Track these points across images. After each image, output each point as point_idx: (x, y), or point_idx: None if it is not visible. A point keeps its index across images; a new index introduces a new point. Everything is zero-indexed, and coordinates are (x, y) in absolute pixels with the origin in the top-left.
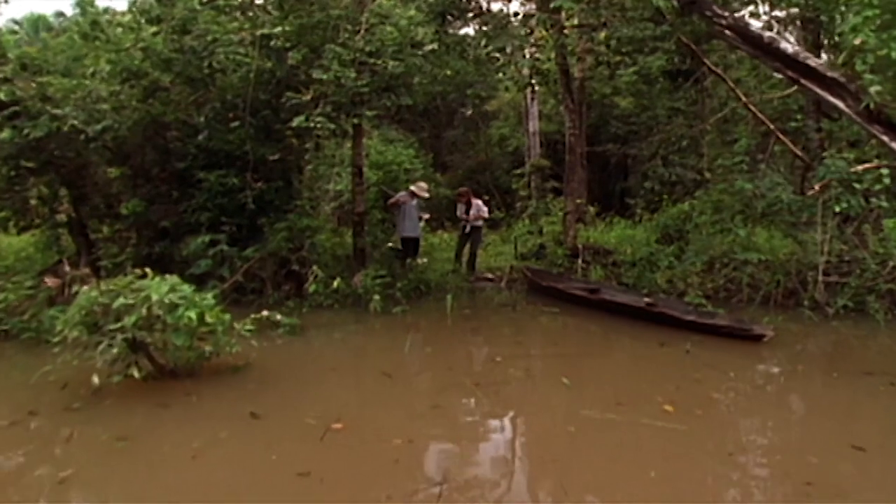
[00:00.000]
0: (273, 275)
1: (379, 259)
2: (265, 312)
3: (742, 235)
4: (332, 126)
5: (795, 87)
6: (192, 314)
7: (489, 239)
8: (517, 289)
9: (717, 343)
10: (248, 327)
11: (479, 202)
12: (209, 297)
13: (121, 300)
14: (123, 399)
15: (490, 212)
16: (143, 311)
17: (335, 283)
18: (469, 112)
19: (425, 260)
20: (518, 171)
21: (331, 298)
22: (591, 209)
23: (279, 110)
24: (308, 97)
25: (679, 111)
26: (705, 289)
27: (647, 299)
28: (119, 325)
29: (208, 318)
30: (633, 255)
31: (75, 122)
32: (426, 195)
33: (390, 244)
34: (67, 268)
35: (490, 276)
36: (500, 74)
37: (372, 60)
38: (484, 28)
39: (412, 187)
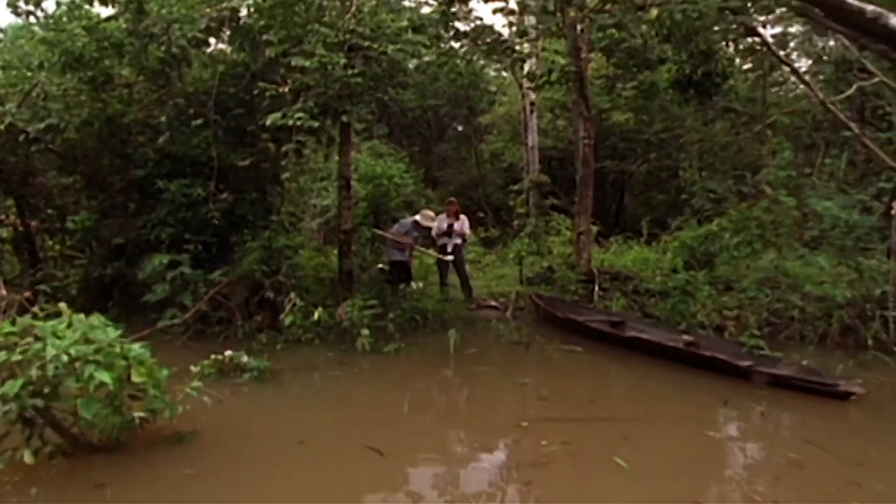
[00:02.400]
0: (244, 303)
1: (368, 283)
2: (228, 353)
3: (787, 261)
4: (315, 124)
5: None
6: (106, 376)
7: (487, 260)
8: (525, 319)
9: (789, 400)
10: (196, 383)
11: (465, 218)
12: (136, 349)
13: (3, 354)
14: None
15: (473, 230)
16: (34, 372)
17: (316, 314)
18: (460, 128)
19: (420, 284)
20: (515, 188)
21: (311, 332)
22: (594, 228)
23: (253, 109)
24: (286, 90)
25: (688, 122)
26: (745, 323)
27: (685, 337)
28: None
29: (135, 377)
30: (664, 283)
31: (13, 119)
32: (433, 225)
33: (380, 265)
34: (3, 291)
35: (493, 303)
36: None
37: (366, 43)
38: (477, 43)
39: (418, 217)
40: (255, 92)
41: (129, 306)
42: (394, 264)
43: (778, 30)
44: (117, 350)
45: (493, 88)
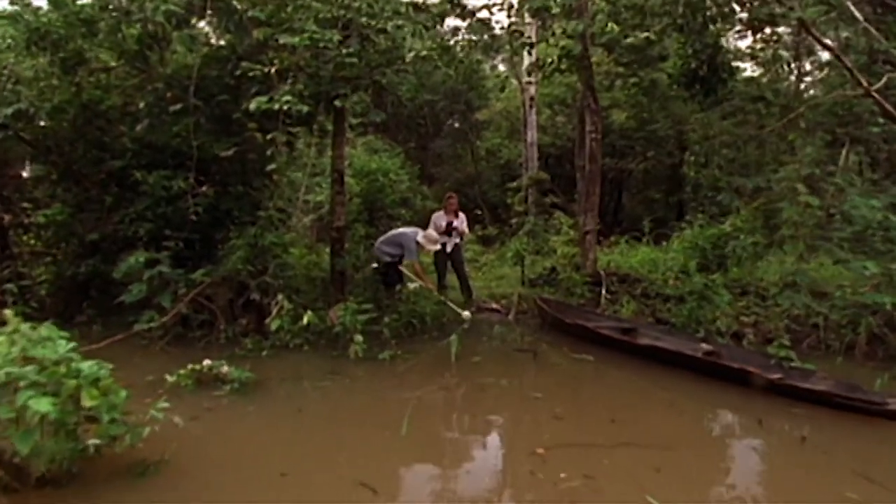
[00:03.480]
0: (228, 305)
1: (362, 284)
2: (207, 362)
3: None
4: (304, 109)
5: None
6: (45, 404)
7: (484, 259)
8: (529, 323)
9: (829, 420)
10: (161, 404)
11: (463, 216)
12: (89, 366)
13: None
14: None
15: (471, 228)
16: None
17: (305, 318)
18: (457, 125)
19: (417, 284)
20: (514, 185)
21: (300, 337)
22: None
23: (239, 95)
24: (273, 71)
25: (693, 119)
26: (765, 330)
27: (704, 346)
28: None
29: (85, 401)
30: (678, 287)
31: None
32: (436, 248)
33: (374, 265)
34: None
35: (495, 305)
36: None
37: (363, 20)
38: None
39: (420, 239)
40: (238, 73)
41: (107, 307)
42: (390, 266)
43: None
44: (63, 370)
45: (491, 84)
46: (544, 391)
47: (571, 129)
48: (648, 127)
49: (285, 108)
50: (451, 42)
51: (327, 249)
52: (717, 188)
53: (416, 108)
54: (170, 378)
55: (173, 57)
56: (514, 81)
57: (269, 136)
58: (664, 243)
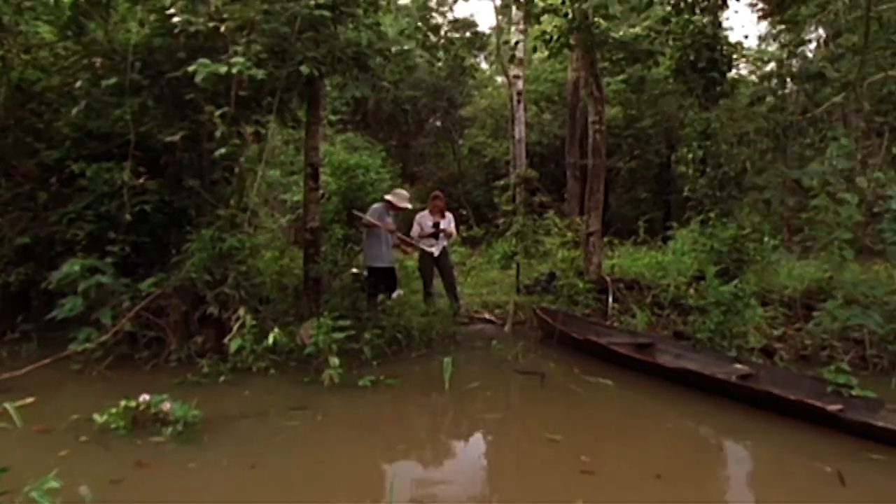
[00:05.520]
0: (181, 320)
1: (340, 293)
2: (145, 397)
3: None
4: (260, 74)
5: None
6: None
7: (473, 263)
8: (528, 336)
9: None
10: (51, 483)
11: (451, 216)
12: None
13: None
14: None
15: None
16: None
17: (271, 337)
18: (439, 124)
19: (402, 292)
20: (501, 184)
21: (264, 359)
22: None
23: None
24: (224, 27)
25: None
26: (798, 346)
27: (738, 366)
28: None
29: None
30: (703, 296)
31: None
32: (408, 206)
33: (354, 269)
34: None
35: (488, 315)
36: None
37: None
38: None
39: (388, 196)
40: (177, 31)
41: (48, 322)
42: (375, 272)
43: None
44: None
45: (475, 79)
46: (562, 430)
47: (558, 127)
48: (637, 124)
49: (234, 71)
50: (434, 39)
51: (302, 253)
52: (723, 186)
53: (398, 105)
54: (98, 418)
55: (117, 27)
56: (499, 79)
57: (217, 113)
58: (660, 245)
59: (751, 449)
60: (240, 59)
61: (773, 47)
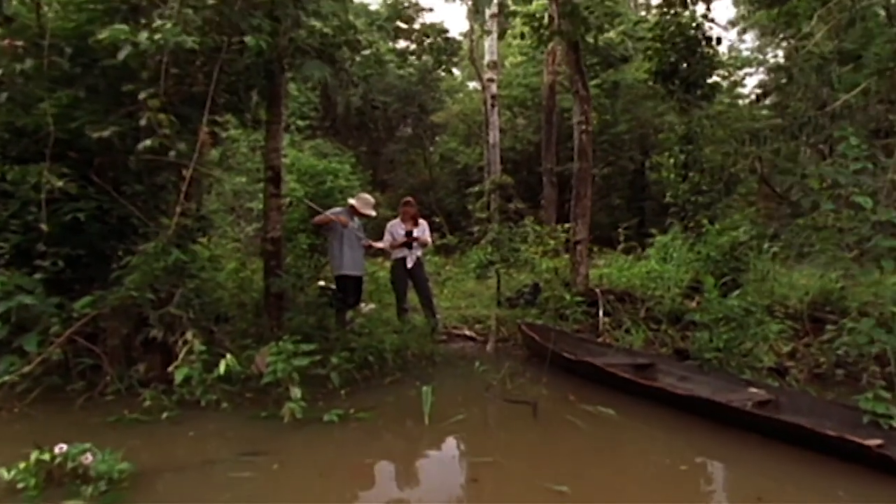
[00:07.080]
0: (122, 345)
1: (305, 309)
2: (61, 448)
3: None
4: (189, 42)
5: None
6: None
7: (448, 273)
8: (511, 353)
9: None
10: None
11: (425, 223)
12: None
13: None
14: None
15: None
16: None
17: (222, 365)
18: (410, 130)
19: (373, 306)
20: (475, 190)
21: (215, 391)
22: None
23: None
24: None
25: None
26: (810, 365)
27: (754, 390)
28: None
29: None
30: (708, 310)
31: None
32: (372, 213)
33: (321, 282)
34: None
35: (468, 332)
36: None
37: None
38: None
39: (352, 200)
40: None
41: None
42: (342, 280)
43: None
44: None
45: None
46: (567, 478)
47: (532, 132)
48: (611, 130)
49: (157, 38)
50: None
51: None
52: (702, 192)
53: (368, 102)
54: (6, 475)
55: (49, 8)
56: (471, 84)
57: (140, 97)
58: (641, 252)
59: (787, 493)
60: (167, 25)
61: (771, 46)
